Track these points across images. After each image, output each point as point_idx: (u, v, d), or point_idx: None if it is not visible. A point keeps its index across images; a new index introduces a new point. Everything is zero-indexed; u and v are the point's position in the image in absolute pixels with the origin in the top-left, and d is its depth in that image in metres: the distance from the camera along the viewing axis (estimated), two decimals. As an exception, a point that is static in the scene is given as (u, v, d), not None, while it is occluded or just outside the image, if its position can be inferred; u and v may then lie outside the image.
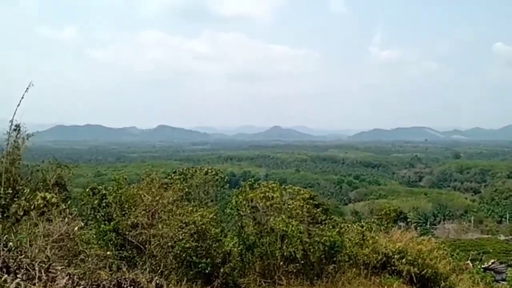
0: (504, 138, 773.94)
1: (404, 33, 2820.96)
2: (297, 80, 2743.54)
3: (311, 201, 12.00)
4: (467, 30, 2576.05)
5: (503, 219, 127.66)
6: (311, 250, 10.46)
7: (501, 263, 69.66)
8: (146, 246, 8.36)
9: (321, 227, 11.29)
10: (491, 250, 77.81)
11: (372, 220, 14.89)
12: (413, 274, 11.34)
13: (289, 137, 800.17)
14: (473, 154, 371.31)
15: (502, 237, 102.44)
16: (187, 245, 8.57)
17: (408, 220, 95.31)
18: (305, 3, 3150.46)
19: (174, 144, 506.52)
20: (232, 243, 10.06)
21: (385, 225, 14.26)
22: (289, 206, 10.78)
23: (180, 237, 8.50)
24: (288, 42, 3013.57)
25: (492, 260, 73.25)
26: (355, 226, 12.84)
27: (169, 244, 8.43)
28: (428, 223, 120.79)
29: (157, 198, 8.97)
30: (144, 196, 8.97)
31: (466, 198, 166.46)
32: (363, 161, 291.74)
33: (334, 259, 10.94)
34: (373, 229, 13.05)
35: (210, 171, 12.22)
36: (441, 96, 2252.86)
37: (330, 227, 11.68)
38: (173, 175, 12.07)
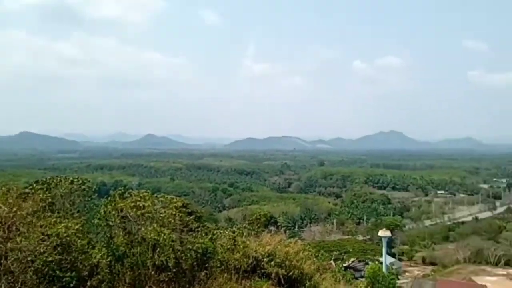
0: (362, 147, 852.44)
1: (274, 48, 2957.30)
2: (173, 88, 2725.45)
3: (184, 209, 12.00)
4: (331, 48, 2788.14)
5: (361, 220, 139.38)
6: (184, 257, 10.44)
7: (360, 261, 76.18)
8: (2, 261, 7.65)
9: (194, 234, 11.34)
10: (351, 250, 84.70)
11: (244, 225, 15.30)
12: (281, 276, 11.84)
13: (164, 145, 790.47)
14: (335, 161, 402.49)
15: (361, 237, 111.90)
16: (50, 259, 8.00)
17: (278, 224, 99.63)
18: (180, 13, 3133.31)
19: (38, 152, 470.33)
20: (100, 254, 9.63)
21: (256, 230, 14.75)
22: (161, 215, 10.65)
23: (42, 251, 7.91)
24: (164, 50, 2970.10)
25: (352, 259, 79.67)
26: (227, 232, 13.11)
27: (29, 258, 7.80)
28: (296, 226, 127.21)
29: (15, 209, 8.28)
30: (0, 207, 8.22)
31: (329, 202, 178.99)
32: (238, 169, 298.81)
33: (206, 265, 11.05)
34: (244, 234, 13.43)
35: (76, 180, 11.61)
36: (308, 108, 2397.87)
37: (203, 234, 11.79)
38: (34, 184, 11.24)
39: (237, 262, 11.51)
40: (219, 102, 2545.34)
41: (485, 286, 60.99)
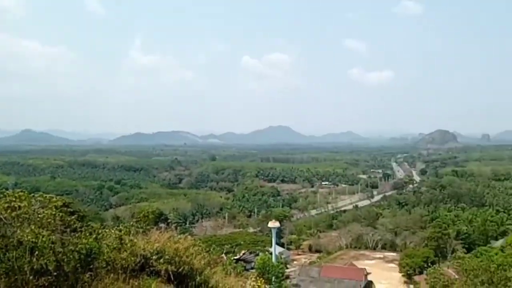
0: (252, 142, 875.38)
1: (164, 41, 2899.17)
2: (52, 80, 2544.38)
3: (66, 208, 11.35)
4: (222, 42, 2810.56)
5: (252, 213, 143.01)
6: (65, 260, 9.87)
7: (250, 253, 78.28)
8: None
9: (77, 235, 10.79)
10: (242, 242, 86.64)
11: (131, 223, 14.89)
12: (170, 272, 11.75)
13: (43, 142, 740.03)
14: (227, 156, 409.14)
15: (252, 230, 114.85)
16: None
17: (169, 220, 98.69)
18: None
19: None
20: (-31, 261, 8.78)
21: (144, 227, 14.43)
22: (40, 216, 9.96)
23: None
24: (42, 38, 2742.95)
25: (243, 251, 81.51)
26: (113, 231, 12.68)
27: None
28: (188, 222, 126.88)
29: None
30: None
31: (221, 197, 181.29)
32: (125, 165, 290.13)
33: (91, 266, 10.59)
34: (132, 232, 13.09)
35: None
36: (199, 103, 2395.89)
37: (87, 234, 11.26)
38: None
39: (124, 261, 11.17)
40: (104, 95, 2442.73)
41: (364, 269, 66.51)
